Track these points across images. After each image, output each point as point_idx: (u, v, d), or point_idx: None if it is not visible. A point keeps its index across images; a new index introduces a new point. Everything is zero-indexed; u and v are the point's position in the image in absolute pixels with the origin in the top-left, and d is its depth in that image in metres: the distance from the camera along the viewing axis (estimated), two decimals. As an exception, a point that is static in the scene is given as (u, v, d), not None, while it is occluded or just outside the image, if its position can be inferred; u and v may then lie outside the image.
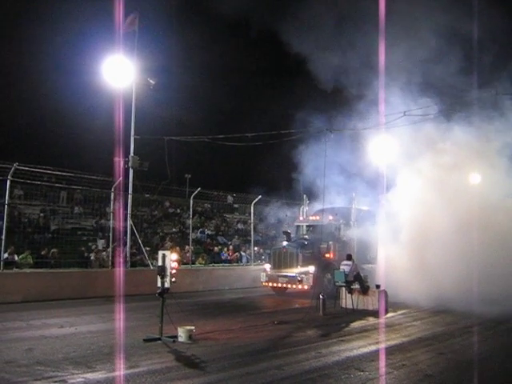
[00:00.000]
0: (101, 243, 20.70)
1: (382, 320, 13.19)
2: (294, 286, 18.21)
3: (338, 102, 20.01)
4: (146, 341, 9.87)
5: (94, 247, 20.32)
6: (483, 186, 18.31)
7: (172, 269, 10.21)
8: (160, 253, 10.54)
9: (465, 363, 8.85)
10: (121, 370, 7.81)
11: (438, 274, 16.05)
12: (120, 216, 18.92)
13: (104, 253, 19.34)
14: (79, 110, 28.57)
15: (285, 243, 19.38)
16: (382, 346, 9.91)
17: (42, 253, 18.47)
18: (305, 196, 22.27)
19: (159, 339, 9.94)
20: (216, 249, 25.09)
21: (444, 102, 17.55)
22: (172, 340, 9.86)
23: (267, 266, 19.52)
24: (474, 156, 18.06)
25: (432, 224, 17.56)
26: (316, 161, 19.37)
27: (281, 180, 24.03)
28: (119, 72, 19.55)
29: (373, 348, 9.75)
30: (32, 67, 29.53)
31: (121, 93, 19.42)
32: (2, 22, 30.54)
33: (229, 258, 24.73)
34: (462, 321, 12.58)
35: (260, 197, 24.28)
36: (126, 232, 19.92)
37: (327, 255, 18.70)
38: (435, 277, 16.01)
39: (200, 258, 23.14)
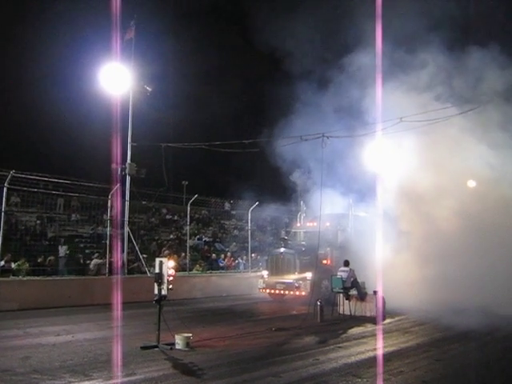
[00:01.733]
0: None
1: (380, 326, 13.16)
2: (292, 293, 18.19)
3: (335, 107, 20.04)
4: (143, 348, 9.84)
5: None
6: (481, 188, 18.26)
7: (169, 276, 10.21)
8: (157, 260, 10.55)
9: (463, 369, 8.84)
10: (118, 378, 7.79)
11: (437, 279, 16.05)
12: (117, 223, 18.92)
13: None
14: (76, 117, 28.60)
15: (282, 249, 19.36)
16: (380, 352, 9.89)
17: (39, 260, 18.43)
18: (302, 202, 22.27)
19: (156, 347, 9.91)
20: (213, 255, 25.08)
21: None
22: (169, 347, 9.83)
23: (264, 273, 19.50)
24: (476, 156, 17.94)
25: (431, 228, 17.57)
26: (313, 166, 19.41)
27: (278, 186, 24.04)
28: (116, 79, 19.62)
29: (370, 354, 9.72)
30: (29, 74, 29.59)
31: (118, 100, 19.45)
32: (0, 30, 30.59)
33: (226, 264, 24.71)
34: (459, 327, 12.53)
35: (257, 203, 24.28)
36: (123, 239, 19.90)
37: (325, 261, 18.68)
38: (433, 283, 16.01)
39: (197, 265, 23.11)
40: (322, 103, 20.30)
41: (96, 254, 20.02)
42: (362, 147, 19.02)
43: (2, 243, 16.13)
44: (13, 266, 17.25)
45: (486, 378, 8.35)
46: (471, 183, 19.27)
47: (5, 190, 16.32)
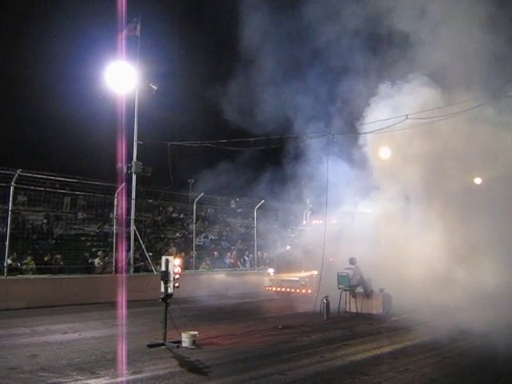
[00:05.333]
0: None
1: (386, 324, 13.15)
2: (298, 291, 18.15)
3: (340, 106, 19.98)
4: (149, 346, 9.86)
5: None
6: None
7: (175, 274, 10.23)
8: (163, 258, 10.56)
9: (469, 367, 8.80)
10: (124, 376, 7.82)
11: (443, 277, 15.98)
12: (123, 221, 18.97)
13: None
14: (82, 115, 28.63)
15: (288, 247, 19.34)
16: (387, 350, 9.90)
17: (46, 259, 18.51)
18: (308, 200, 22.23)
19: (163, 344, 9.94)
20: (216, 254, 25.09)
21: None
22: (176, 345, 9.85)
23: (270, 271, 19.47)
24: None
25: (436, 226, 17.46)
26: (319, 164, 19.34)
27: (284, 184, 23.98)
28: (122, 78, 19.68)
29: (377, 352, 9.72)
30: (35, 73, 29.61)
31: (123, 98, 19.52)
32: (5, 29, 30.66)
33: (232, 262, 24.72)
34: (466, 324, 12.48)
35: (263, 201, 24.26)
36: (129, 237, 19.95)
37: (331, 259, 18.62)
38: (440, 280, 15.93)
39: (203, 263, 23.13)
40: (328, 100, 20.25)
41: (99, 252, 20.06)
42: (367, 143, 18.93)
43: (9, 242, 16.21)
44: (19, 264, 17.32)
45: (494, 375, 8.32)
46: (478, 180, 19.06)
47: (11, 188, 16.41)
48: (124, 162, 19.59)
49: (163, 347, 9.85)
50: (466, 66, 17.07)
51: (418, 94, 17.57)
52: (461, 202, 17.08)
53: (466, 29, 16.78)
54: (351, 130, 18.74)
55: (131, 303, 15.06)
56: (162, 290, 10.25)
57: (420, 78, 17.73)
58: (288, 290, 18.62)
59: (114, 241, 18.91)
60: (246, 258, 25.45)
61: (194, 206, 22.61)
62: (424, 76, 17.80)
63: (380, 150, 18.97)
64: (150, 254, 20.84)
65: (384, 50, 18.04)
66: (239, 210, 30.85)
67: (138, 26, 20.84)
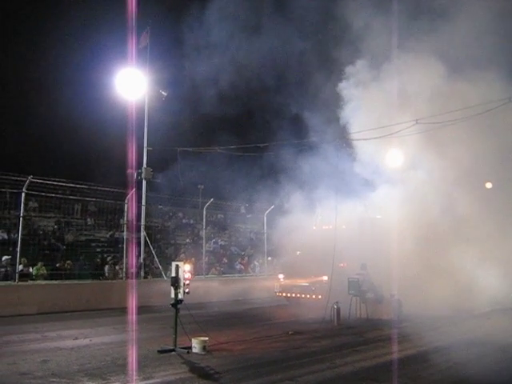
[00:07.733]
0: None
1: (397, 330, 13.04)
2: (308, 296, 18.09)
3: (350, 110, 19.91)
4: (160, 352, 9.88)
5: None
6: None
7: (185, 280, 10.25)
8: (173, 264, 10.58)
9: (482, 373, 8.69)
10: (135, 382, 7.83)
11: (454, 281, 15.88)
12: (133, 227, 19.04)
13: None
14: (92, 122, 28.81)
15: (298, 253, 19.28)
16: (397, 356, 9.81)
17: (58, 265, 18.61)
18: (317, 205, 22.17)
19: (173, 350, 9.95)
20: (224, 259, 25.08)
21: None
22: (186, 351, 9.86)
23: (281, 276, 19.44)
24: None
25: (446, 229, 17.36)
26: (328, 169, 19.32)
27: (293, 189, 23.93)
28: (132, 84, 19.81)
29: (388, 358, 9.66)
30: (46, 80, 29.91)
31: (133, 105, 19.65)
32: (17, 36, 31.03)
33: (242, 268, 24.70)
34: (478, 329, 12.40)
35: (273, 207, 24.23)
36: (139, 243, 20.02)
37: (341, 264, 18.55)
38: (450, 285, 15.83)
39: (213, 269, 23.12)
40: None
41: (109, 258, 20.13)
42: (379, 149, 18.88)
43: (20, 248, 16.32)
44: (31, 270, 17.42)
45: (506, 382, 8.24)
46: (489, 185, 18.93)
47: (23, 195, 16.54)
48: (134, 167, 19.69)
49: (173, 353, 9.86)
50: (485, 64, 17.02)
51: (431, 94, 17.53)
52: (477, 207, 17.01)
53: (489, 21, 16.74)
54: (361, 134, 18.68)
55: (141, 309, 15.10)
56: (172, 295, 10.28)
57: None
58: (298, 295, 18.56)
59: (125, 247, 18.98)
60: (256, 264, 25.41)
61: (204, 212, 22.65)
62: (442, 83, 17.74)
63: (390, 154, 18.96)
64: (161, 259, 20.87)
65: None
66: (249, 216, 30.81)
67: (148, 33, 21.02)
